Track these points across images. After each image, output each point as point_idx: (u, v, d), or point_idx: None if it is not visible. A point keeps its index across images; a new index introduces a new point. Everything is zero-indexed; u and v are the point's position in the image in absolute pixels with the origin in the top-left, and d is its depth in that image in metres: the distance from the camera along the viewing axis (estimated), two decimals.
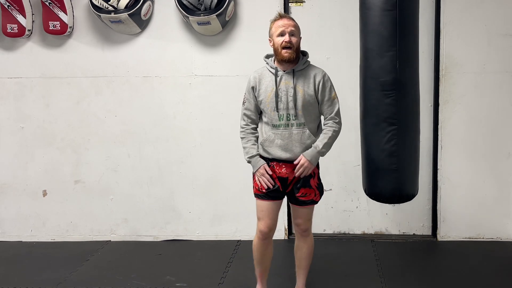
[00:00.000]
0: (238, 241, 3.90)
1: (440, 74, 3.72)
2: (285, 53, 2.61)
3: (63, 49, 3.93)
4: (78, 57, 3.93)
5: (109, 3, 3.61)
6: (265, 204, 2.75)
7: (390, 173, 2.45)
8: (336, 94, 2.77)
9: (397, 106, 2.38)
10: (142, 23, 3.80)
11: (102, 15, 3.62)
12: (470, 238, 3.84)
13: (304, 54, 2.77)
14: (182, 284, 3.25)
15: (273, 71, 2.68)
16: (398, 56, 2.36)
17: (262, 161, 2.72)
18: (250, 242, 3.73)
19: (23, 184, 4.09)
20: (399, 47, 2.36)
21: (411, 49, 2.43)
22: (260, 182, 2.72)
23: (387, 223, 3.96)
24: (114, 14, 3.60)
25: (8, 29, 3.82)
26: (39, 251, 3.90)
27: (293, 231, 2.96)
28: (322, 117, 2.82)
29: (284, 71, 2.68)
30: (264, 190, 2.73)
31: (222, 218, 3.99)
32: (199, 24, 3.61)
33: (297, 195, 2.75)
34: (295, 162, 2.68)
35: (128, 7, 3.59)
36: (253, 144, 2.75)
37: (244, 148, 2.77)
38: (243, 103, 2.78)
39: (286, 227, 3.95)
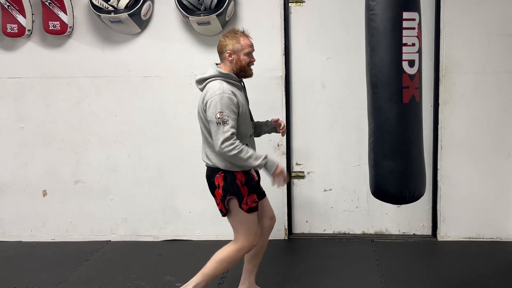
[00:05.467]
0: None
1: (440, 74, 3.72)
2: (249, 70, 2.76)
3: (63, 49, 3.93)
4: (78, 57, 3.93)
5: (109, 3, 3.61)
6: (256, 216, 2.79)
7: (370, 168, 2.57)
8: None
9: (372, 105, 2.50)
10: (142, 23, 3.79)
11: (102, 15, 3.62)
12: (470, 238, 3.84)
13: None
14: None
15: (239, 84, 2.77)
16: (370, 59, 2.48)
17: (276, 159, 2.77)
18: None
19: (23, 184, 4.09)
20: (371, 51, 2.46)
21: (386, 54, 2.45)
22: (278, 180, 2.66)
23: (387, 223, 3.96)
24: (114, 14, 3.60)
25: (8, 29, 3.82)
26: (39, 251, 3.90)
27: (264, 231, 2.96)
28: None
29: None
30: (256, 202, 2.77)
31: (222, 218, 3.95)
32: (199, 24, 3.61)
33: (262, 189, 2.89)
34: (280, 121, 2.94)
35: (128, 7, 3.59)
36: (254, 150, 2.73)
37: (249, 157, 2.57)
38: (225, 122, 2.54)
39: (286, 227, 3.95)
